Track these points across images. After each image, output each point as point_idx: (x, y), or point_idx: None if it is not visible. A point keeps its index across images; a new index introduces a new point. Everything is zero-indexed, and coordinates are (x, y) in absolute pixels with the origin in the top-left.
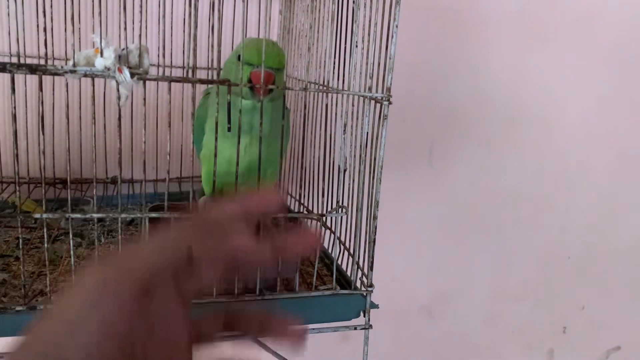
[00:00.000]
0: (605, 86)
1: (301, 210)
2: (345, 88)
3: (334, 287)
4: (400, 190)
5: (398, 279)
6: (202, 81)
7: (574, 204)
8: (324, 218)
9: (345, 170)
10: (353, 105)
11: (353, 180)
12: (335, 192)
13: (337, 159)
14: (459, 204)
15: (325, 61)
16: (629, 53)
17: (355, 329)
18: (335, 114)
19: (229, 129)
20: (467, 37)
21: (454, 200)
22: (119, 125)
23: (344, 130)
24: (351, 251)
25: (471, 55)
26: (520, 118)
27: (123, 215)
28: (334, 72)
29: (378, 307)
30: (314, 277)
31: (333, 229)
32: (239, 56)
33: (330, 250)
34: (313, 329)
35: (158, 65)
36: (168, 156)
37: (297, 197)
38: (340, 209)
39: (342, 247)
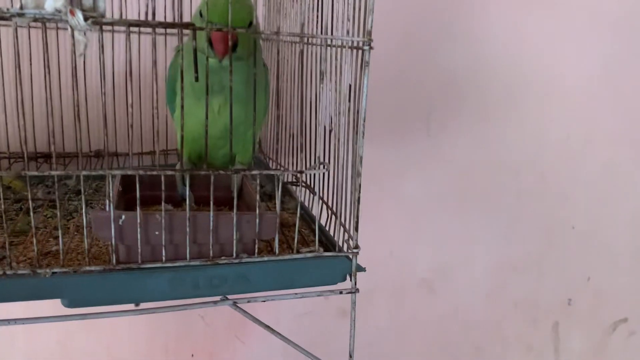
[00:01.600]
0: (610, 52)
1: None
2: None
3: (317, 249)
4: (397, 161)
5: (397, 253)
6: (162, 24)
7: (578, 173)
8: (304, 175)
9: (331, 131)
10: (330, 50)
11: (335, 136)
12: (315, 149)
13: (319, 115)
14: (458, 175)
15: (305, 11)
16: (635, 17)
17: (341, 292)
18: (314, 63)
19: (196, 79)
20: (465, 1)
21: (453, 170)
22: (75, 82)
23: (322, 79)
24: (336, 212)
25: (469, 18)
26: (522, 85)
27: (85, 173)
28: (316, 22)
29: (365, 270)
30: (295, 239)
31: (315, 188)
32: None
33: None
34: (296, 293)
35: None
36: (130, 108)
37: (273, 156)
38: (320, 166)
39: (325, 207)
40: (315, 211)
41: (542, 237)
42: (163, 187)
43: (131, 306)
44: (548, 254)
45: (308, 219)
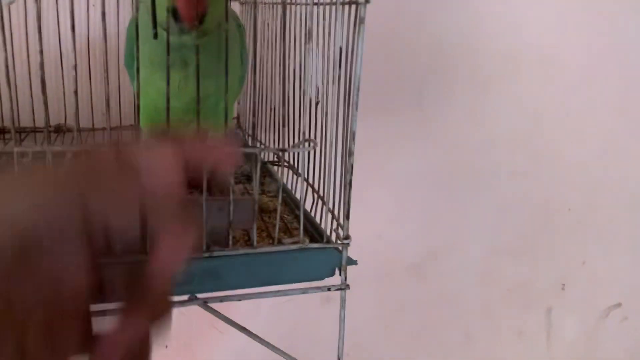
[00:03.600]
0: (614, 23)
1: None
2: None
3: (301, 239)
4: (386, 136)
5: (384, 235)
6: None
7: (576, 153)
8: (287, 154)
9: (317, 103)
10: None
11: (322, 109)
12: (299, 124)
13: (304, 85)
14: (451, 152)
15: None
16: None
17: (329, 289)
18: (299, 25)
19: (155, 36)
20: None
21: (445, 147)
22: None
23: (308, 40)
24: (323, 197)
25: None
26: (520, 59)
27: (18, 149)
28: None
29: (357, 264)
30: (276, 227)
31: (300, 169)
32: None
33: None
34: (278, 291)
35: None
36: (73, 70)
37: (250, 132)
38: (306, 143)
39: (312, 191)
40: (299, 195)
41: (537, 220)
42: None
43: None
44: (542, 237)
45: (292, 204)
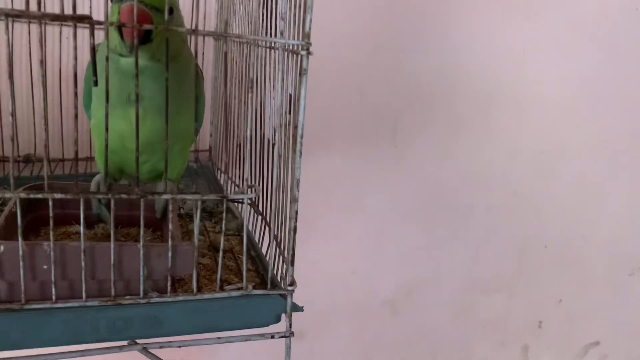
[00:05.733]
0: (588, 63)
1: (230, 187)
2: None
3: (244, 286)
4: (360, 172)
5: (359, 270)
6: (47, 15)
7: (551, 190)
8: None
9: (274, 144)
10: (272, 53)
11: (267, 156)
12: (261, 162)
13: (264, 126)
14: (426, 188)
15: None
16: (614, 27)
17: (273, 337)
18: (260, 67)
19: (95, 83)
20: (436, 4)
21: (420, 184)
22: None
23: (251, 87)
24: (278, 237)
25: (441, 24)
26: (494, 95)
27: None
28: (262, 20)
29: (302, 310)
30: (218, 273)
31: (245, 215)
32: None
33: (258, 239)
34: (220, 337)
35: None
36: (11, 117)
37: (221, 166)
38: (249, 189)
39: (269, 232)
40: (258, 235)
41: (513, 256)
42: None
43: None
44: (519, 274)
45: (249, 243)
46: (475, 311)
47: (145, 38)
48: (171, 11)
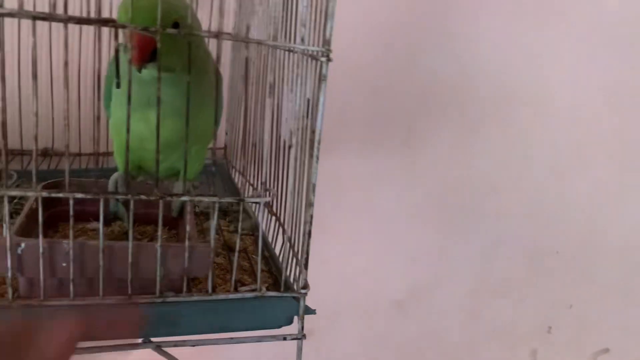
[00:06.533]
0: (606, 67)
1: (246, 187)
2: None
3: (258, 287)
4: (373, 172)
5: (368, 271)
6: (72, 19)
7: (565, 195)
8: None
9: (290, 147)
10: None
11: (283, 159)
12: (278, 164)
13: (281, 128)
14: (438, 190)
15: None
16: (635, 30)
17: (285, 339)
18: (278, 70)
19: (118, 85)
20: (451, 5)
21: (433, 185)
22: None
23: (270, 93)
24: (291, 239)
25: (458, 25)
26: (509, 98)
27: (12, 193)
28: (280, 24)
29: (315, 313)
30: (233, 275)
31: (260, 219)
32: None
33: (271, 239)
34: (233, 338)
35: None
36: (35, 117)
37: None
38: (265, 193)
39: (283, 233)
40: (272, 235)
41: (524, 261)
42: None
43: None
44: (529, 278)
45: (263, 244)
46: (484, 315)
47: (152, 56)
48: (176, 25)
